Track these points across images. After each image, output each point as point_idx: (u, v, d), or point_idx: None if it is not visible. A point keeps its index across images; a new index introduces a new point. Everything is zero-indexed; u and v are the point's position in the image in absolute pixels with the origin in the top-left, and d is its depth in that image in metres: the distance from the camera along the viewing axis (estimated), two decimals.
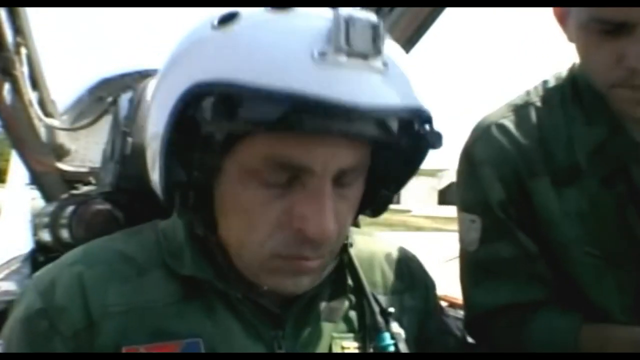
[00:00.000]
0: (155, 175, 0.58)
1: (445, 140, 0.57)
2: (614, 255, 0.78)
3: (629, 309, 0.78)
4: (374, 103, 0.49)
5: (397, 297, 0.71)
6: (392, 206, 0.67)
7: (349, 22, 0.48)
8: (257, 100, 0.47)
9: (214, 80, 0.49)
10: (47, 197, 1.63)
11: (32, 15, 1.40)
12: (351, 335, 0.65)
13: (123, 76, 1.54)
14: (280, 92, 0.47)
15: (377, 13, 1.07)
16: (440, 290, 0.80)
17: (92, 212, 0.89)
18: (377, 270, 0.72)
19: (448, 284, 1.38)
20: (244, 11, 0.53)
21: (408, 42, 1.09)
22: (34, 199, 1.70)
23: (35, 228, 1.10)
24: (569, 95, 0.83)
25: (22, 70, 1.41)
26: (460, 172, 0.88)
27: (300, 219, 0.53)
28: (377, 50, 0.50)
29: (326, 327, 0.64)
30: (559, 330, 0.77)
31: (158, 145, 0.55)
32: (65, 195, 1.24)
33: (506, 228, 0.82)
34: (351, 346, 0.64)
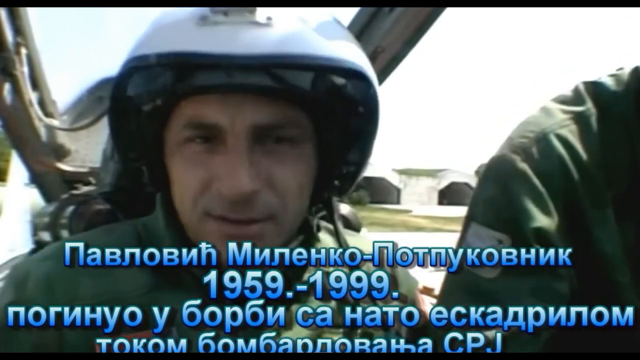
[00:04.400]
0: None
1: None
2: None
3: None
4: (252, 52, 0.53)
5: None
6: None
7: None
8: (156, 68, 0.55)
9: (131, 56, 0.57)
10: (47, 197, 1.64)
11: (33, 14, 1.40)
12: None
13: None
14: (167, 55, 0.54)
15: (377, 13, 1.07)
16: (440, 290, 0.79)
17: (93, 212, 0.89)
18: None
19: None
20: None
21: (408, 43, 1.09)
22: (34, 199, 1.71)
23: (35, 228, 1.10)
24: (634, 110, 0.68)
25: (22, 70, 1.41)
26: (497, 181, 0.70)
27: (217, 179, 0.56)
28: (251, 6, 0.54)
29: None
30: None
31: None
32: (65, 195, 1.24)
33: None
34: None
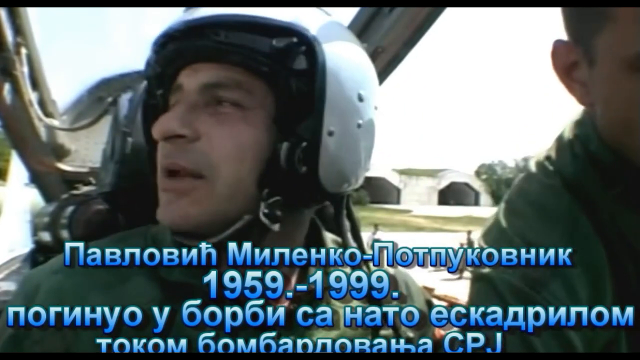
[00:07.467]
0: None
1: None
2: None
3: None
4: (191, 17, 0.61)
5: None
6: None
7: None
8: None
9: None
10: (47, 197, 1.64)
11: (33, 14, 1.40)
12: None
13: (123, 76, 1.55)
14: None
15: (377, 13, 1.07)
16: (440, 291, 0.79)
17: (92, 212, 0.89)
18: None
19: (449, 284, 1.38)
20: None
21: (408, 43, 1.09)
22: (34, 199, 1.71)
23: (35, 228, 1.10)
24: (594, 183, 0.68)
25: (22, 70, 1.41)
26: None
27: None
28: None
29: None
30: None
31: None
32: (65, 195, 1.24)
33: None
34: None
